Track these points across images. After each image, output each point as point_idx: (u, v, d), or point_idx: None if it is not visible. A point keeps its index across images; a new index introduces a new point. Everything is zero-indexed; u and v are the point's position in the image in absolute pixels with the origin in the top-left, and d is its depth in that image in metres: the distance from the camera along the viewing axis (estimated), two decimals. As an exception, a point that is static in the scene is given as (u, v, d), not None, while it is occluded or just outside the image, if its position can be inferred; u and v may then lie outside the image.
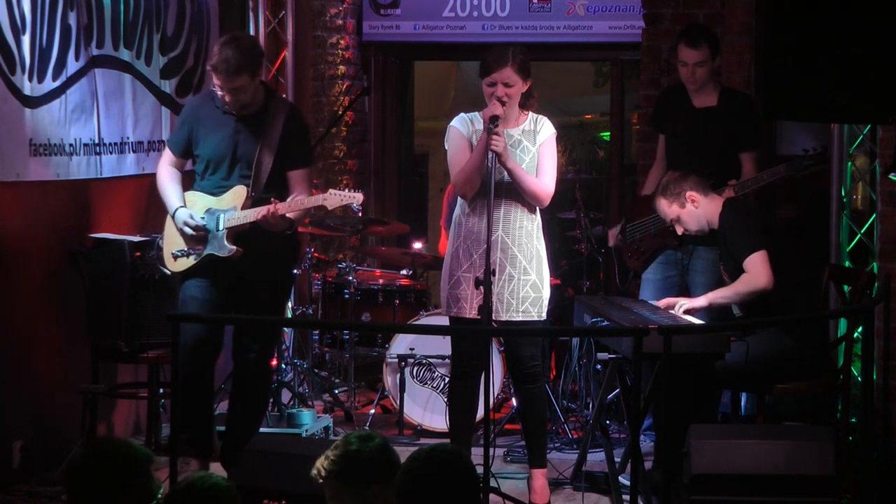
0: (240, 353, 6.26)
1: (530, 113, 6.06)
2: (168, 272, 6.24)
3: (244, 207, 6.02)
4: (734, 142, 6.74)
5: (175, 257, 6.14)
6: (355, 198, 6.06)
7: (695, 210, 6.24)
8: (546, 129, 6.05)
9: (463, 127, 6.05)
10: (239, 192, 6.05)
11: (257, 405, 6.38)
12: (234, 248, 6.03)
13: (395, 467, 4.04)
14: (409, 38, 9.73)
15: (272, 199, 5.98)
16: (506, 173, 5.91)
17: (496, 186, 5.88)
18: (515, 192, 5.97)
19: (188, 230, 6.04)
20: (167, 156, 6.27)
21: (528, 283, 5.98)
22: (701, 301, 6.23)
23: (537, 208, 6.05)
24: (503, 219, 5.97)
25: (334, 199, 6.03)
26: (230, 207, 6.05)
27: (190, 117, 6.20)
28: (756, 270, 6.06)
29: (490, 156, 5.81)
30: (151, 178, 6.93)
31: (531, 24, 9.53)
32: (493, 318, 5.85)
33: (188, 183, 6.26)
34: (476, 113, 6.05)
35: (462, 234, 6.03)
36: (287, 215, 6.00)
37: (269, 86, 6.44)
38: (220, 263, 6.07)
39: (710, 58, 6.79)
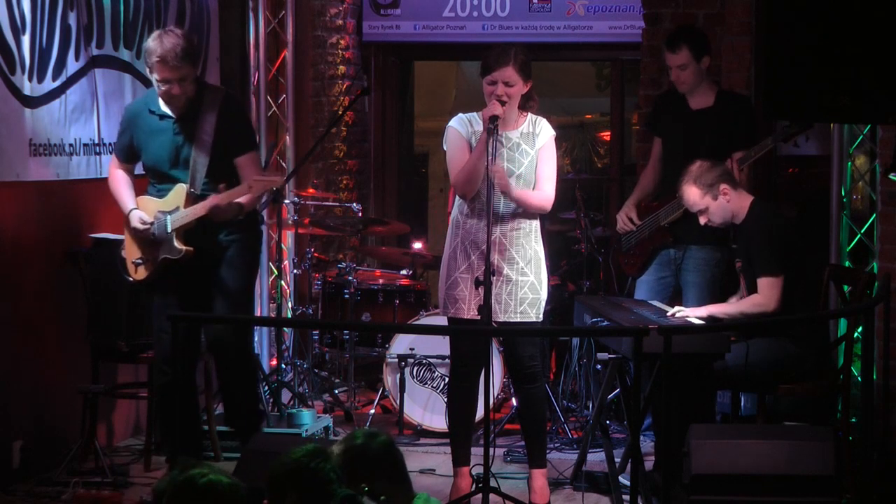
0: (215, 341, 6.26)
1: (529, 114, 6.04)
2: (131, 280, 6.25)
3: (187, 205, 6.04)
4: (728, 142, 6.73)
5: (136, 266, 6.18)
6: (273, 181, 6.10)
7: (726, 204, 6.19)
8: (545, 132, 6.03)
9: (462, 128, 6.04)
10: (179, 191, 6.08)
11: (246, 399, 6.39)
12: (185, 248, 6.06)
13: (400, 466, 4.04)
14: (409, 38, 9.73)
15: (220, 188, 5.98)
16: (507, 175, 5.89)
17: (497, 188, 5.88)
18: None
19: (141, 229, 6.07)
20: (114, 160, 6.31)
21: (525, 285, 5.97)
22: (700, 312, 6.17)
23: None
24: (501, 220, 5.96)
25: (258, 184, 6.02)
26: (174, 208, 6.08)
27: (129, 126, 6.23)
28: (768, 295, 6.00)
29: (489, 156, 5.79)
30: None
31: (531, 24, 9.53)
32: (492, 318, 5.85)
33: (141, 188, 6.29)
34: (475, 114, 6.03)
35: (460, 235, 6.02)
36: (237, 200, 6.00)
37: (200, 78, 6.43)
38: (177, 267, 6.09)
39: (692, 60, 6.77)
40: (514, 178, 5.94)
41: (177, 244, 6.05)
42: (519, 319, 5.95)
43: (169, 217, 6.06)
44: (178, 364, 5.84)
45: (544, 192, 5.97)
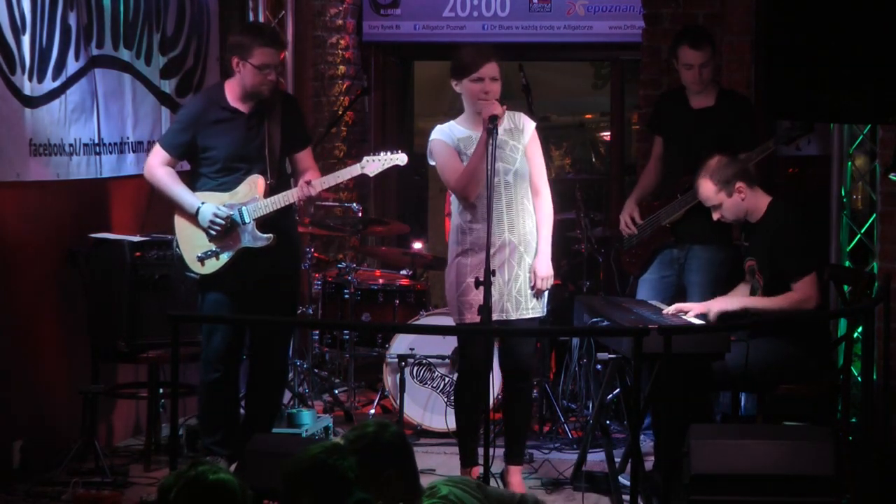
0: (262, 351, 6.33)
1: (505, 110, 6.06)
2: (195, 276, 6.20)
3: (265, 196, 6.08)
4: (729, 142, 6.72)
5: (202, 260, 6.14)
6: (397, 158, 6.17)
7: (740, 202, 6.13)
8: (528, 126, 6.09)
9: (445, 137, 6.10)
10: (256, 182, 6.12)
11: (278, 400, 6.55)
12: (270, 235, 6.10)
13: (410, 458, 4.04)
14: (409, 38, 9.73)
15: (304, 179, 6.10)
16: (505, 173, 5.91)
17: (500, 188, 5.89)
18: (519, 194, 5.99)
19: (219, 222, 6.05)
20: (161, 156, 6.20)
21: (530, 280, 6.04)
22: (734, 304, 6.08)
23: None
24: (508, 221, 5.98)
25: (373, 165, 6.12)
26: (250, 199, 6.09)
27: (193, 123, 6.18)
28: (807, 294, 5.94)
29: (489, 156, 5.79)
30: (151, 178, 6.93)
31: (531, 24, 9.52)
32: (504, 317, 5.91)
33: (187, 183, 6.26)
34: (452, 122, 6.12)
35: (468, 241, 6.00)
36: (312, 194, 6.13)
37: None
38: (251, 257, 6.11)
39: (712, 57, 6.82)
40: (512, 174, 5.99)
41: (259, 233, 6.09)
42: (531, 315, 6.02)
43: (245, 207, 6.09)
44: (176, 362, 5.82)
45: (547, 197, 6.07)
